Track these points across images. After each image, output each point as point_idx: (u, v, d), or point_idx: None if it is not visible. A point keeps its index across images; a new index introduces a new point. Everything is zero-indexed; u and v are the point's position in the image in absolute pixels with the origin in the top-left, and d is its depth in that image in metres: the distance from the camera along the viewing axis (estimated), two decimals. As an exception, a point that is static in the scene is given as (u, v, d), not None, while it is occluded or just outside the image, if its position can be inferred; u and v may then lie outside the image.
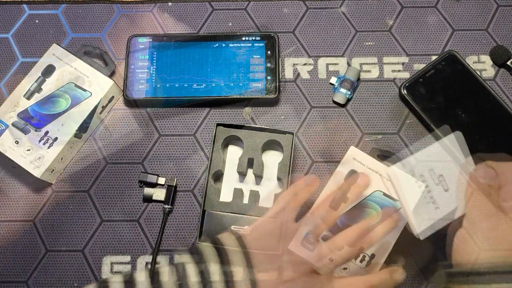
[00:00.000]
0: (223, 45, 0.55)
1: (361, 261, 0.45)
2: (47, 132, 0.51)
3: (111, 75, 0.54)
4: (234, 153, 0.52)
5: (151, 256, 0.49)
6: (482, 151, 0.50)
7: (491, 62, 0.54)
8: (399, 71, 0.55)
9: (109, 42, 0.56)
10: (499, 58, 0.54)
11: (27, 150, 0.50)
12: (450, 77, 0.53)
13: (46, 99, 0.52)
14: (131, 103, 0.54)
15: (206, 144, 0.53)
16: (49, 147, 0.50)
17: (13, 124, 0.51)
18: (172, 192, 0.51)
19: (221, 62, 0.54)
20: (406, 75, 0.54)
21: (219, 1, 0.58)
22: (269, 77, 0.53)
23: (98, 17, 0.57)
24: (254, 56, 0.54)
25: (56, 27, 0.57)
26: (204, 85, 0.53)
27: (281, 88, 0.54)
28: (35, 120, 0.51)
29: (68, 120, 0.51)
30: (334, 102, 0.54)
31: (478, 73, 0.53)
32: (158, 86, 0.53)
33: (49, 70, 0.53)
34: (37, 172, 0.50)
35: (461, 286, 0.37)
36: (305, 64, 0.55)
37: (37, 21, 0.57)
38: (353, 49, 0.56)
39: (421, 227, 0.40)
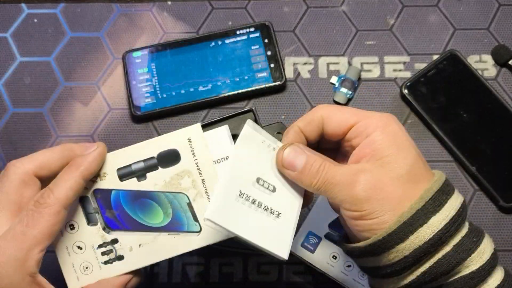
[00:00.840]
0: (220, 42, 0.55)
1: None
2: (115, 241, 0.35)
3: None
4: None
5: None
6: (483, 151, 0.50)
7: (492, 62, 0.54)
8: (400, 70, 0.54)
9: (108, 41, 0.56)
10: (500, 57, 0.54)
11: (78, 247, 0.35)
12: (451, 77, 0.52)
13: (139, 195, 0.35)
14: (140, 118, 0.53)
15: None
16: (106, 263, 0.35)
17: (81, 199, 0.35)
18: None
19: (221, 60, 0.54)
20: (407, 74, 0.54)
21: (219, 0, 0.57)
22: (272, 65, 0.53)
23: (97, 16, 0.57)
24: (252, 47, 0.54)
25: (55, 26, 0.57)
26: (210, 85, 0.53)
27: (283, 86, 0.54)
28: (110, 214, 0.35)
29: (152, 245, 0.35)
30: (335, 101, 0.53)
31: (480, 72, 0.53)
32: (164, 96, 0.53)
33: (169, 158, 0.36)
34: (72, 283, 0.35)
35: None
36: (305, 64, 0.55)
37: (35, 20, 0.57)
38: (354, 48, 0.55)
39: (281, 249, 0.32)
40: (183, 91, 0.53)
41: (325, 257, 0.46)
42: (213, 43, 0.55)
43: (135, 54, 0.54)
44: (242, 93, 0.53)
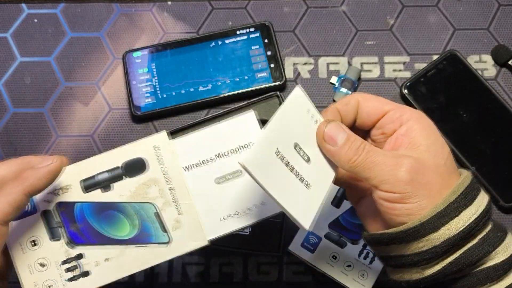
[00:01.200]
0: (220, 43, 0.55)
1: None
2: (79, 256, 0.34)
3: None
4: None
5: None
6: (484, 151, 0.50)
7: (492, 62, 0.54)
8: (400, 70, 0.54)
9: (108, 41, 0.56)
10: (500, 57, 0.54)
11: (41, 264, 0.34)
12: (451, 77, 0.52)
13: (104, 207, 0.34)
14: (140, 118, 0.53)
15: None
16: (71, 280, 0.33)
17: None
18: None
19: (221, 60, 0.54)
20: (407, 74, 0.54)
21: (219, 0, 0.57)
22: (272, 65, 0.53)
23: (97, 16, 0.57)
24: (252, 47, 0.54)
25: (55, 26, 0.57)
26: (210, 85, 0.53)
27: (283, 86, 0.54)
28: (74, 228, 0.34)
29: (119, 259, 0.34)
30: (335, 101, 0.53)
31: (480, 72, 0.53)
32: (164, 96, 0.53)
33: (135, 167, 0.35)
34: None
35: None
36: (305, 64, 0.55)
37: (36, 20, 0.57)
38: (354, 48, 0.55)
39: (305, 218, 0.31)
40: (183, 91, 0.53)
41: (325, 257, 0.46)
42: (213, 43, 0.55)
43: (135, 54, 0.54)
44: (242, 93, 0.53)
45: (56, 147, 0.53)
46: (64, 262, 0.33)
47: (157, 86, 0.53)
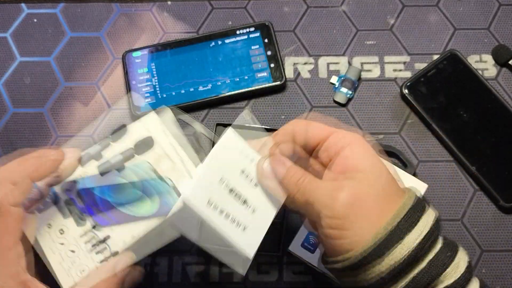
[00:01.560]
0: (220, 42, 0.55)
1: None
2: (107, 238, 0.34)
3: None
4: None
5: (150, 257, 0.49)
6: (484, 151, 0.50)
7: (493, 61, 0.54)
8: (400, 70, 0.54)
9: (108, 41, 0.56)
10: (501, 57, 0.54)
11: (71, 250, 0.34)
12: (451, 77, 0.52)
13: (123, 188, 0.35)
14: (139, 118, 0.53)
15: (206, 144, 0.52)
16: (101, 261, 0.34)
17: (66, 202, 0.35)
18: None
19: (221, 60, 0.54)
20: (408, 74, 0.54)
21: (219, 0, 0.57)
22: (272, 65, 0.53)
23: (97, 16, 0.57)
24: (252, 47, 0.54)
25: (55, 26, 0.57)
26: (210, 85, 0.53)
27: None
28: (97, 211, 0.35)
29: (145, 235, 0.35)
30: (335, 101, 0.53)
31: (480, 72, 0.53)
32: (164, 96, 0.53)
33: (144, 144, 0.36)
34: (65, 282, 0.34)
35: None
36: (305, 64, 0.55)
37: (35, 20, 0.57)
38: (354, 48, 0.55)
39: (247, 246, 0.32)
40: (183, 91, 0.53)
41: None
42: (213, 43, 0.55)
43: (135, 54, 0.54)
44: (242, 93, 0.53)
45: (56, 147, 0.53)
46: (93, 245, 0.34)
47: (157, 86, 0.53)
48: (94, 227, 0.34)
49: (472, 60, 0.54)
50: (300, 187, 0.32)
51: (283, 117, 0.53)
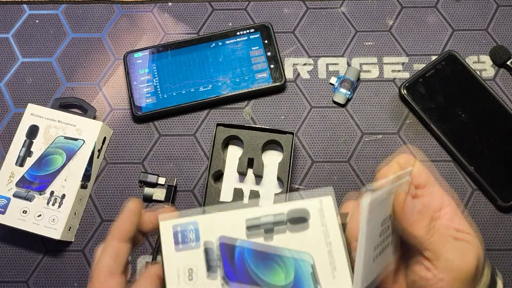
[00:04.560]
0: (220, 43, 0.55)
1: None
2: (52, 192, 0.49)
3: (95, 118, 0.52)
4: (234, 153, 0.52)
5: (151, 256, 0.49)
6: (482, 151, 0.50)
7: (491, 62, 0.55)
8: (399, 71, 0.55)
9: (109, 42, 0.56)
10: (499, 58, 0.54)
11: (38, 216, 0.48)
12: (450, 77, 0.53)
13: (40, 161, 0.50)
14: (141, 119, 0.54)
15: (206, 144, 0.53)
16: (59, 206, 0.48)
17: (14, 195, 0.48)
18: (172, 192, 0.51)
19: (222, 61, 0.54)
20: (406, 75, 0.54)
21: (219, 1, 0.58)
22: (272, 65, 0.54)
23: (98, 17, 0.57)
24: (252, 48, 0.55)
25: (56, 27, 0.57)
26: (211, 86, 0.53)
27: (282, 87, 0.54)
28: (36, 185, 0.49)
29: (70, 174, 0.49)
30: (334, 102, 0.54)
31: (478, 73, 0.53)
32: (165, 96, 0.53)
33: (33, 131, 0.50)
34: (55, 234, 0.48)
35: None
36: (305, 64, 0.55)
37: (37, 21, 0.57)
38: (353, 49, 0.56)
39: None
40: (183, 92, 0.53)
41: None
42: (213, 44, 0.55)
43: (136, 54, 0.55)
44: (242, 94, 0.53)
45: (58, 147, 0.53)
46: (48, 203, 0.38)
47: (158, 87, 0.54)
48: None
49: (470, 61, 0.54)
50: (434, 231, 0.33)
51: (282, 117, 0.53)
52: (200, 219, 0.34)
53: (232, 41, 0.55)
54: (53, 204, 0.48)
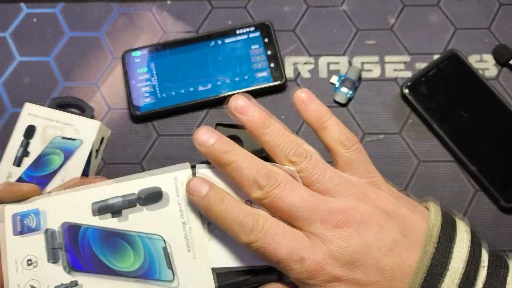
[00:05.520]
0: (219, 42, 0.54)
1: None
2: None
3: (93, 118, 0.51)
4: (234, 153, 0.51)
5: None
6: (484, 151, 0.50)
7: (493, 61, 0.54)
8: (400, 70, 0.54)
9: (107, 41, 0.56)
10: (501, 57, 0.54)
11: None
12: (452, 76, 0.52)
13: (37, 161, 0.49)
14: (139, 118, 0.53)
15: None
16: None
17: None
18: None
19: (221, 60, 0.54)
20: (408, 74, 0.54)
21: (219, -1, 0.57)
22: (272, 64, 0.53)
23: (97, 15, 0.57)
24: (252, 47, 0.54)
25: (54, 26, 0.57)
26: (210, 85, 0.53)
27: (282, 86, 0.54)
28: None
29: (67, 175, 0.48)
30: (335, 101, 0.53)
31: (481, 72, 0.53)
32: (164, 96, 0.53)
33: (30, 130, 0.50)
34: None
35: None
36: (305, 63, 0.55)
37: (34, 19, 0.57)
38: (354, 48, 0.55)
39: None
40: (182, 91, 0.53)
41: None
42: (213, 43, 0.54)
43: (134, 53, 0.54)
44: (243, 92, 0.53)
45: (55, 147, 0.52)
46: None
47: (156, 86, 0.53)
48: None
49: (473, 60, 0.54)
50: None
51: (283, 117, 0.53)
52: (42, 204, 0.32)
53: (231, 39, 0.54)
54: None
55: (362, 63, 0.54)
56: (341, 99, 0.53)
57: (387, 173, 0.51)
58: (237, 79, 0.53)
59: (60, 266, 0.32)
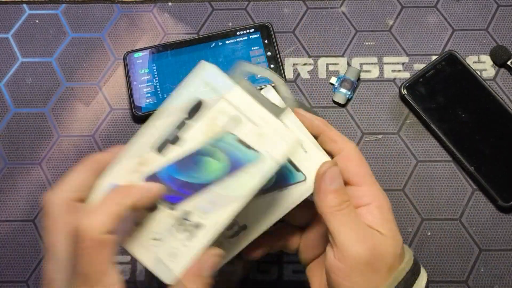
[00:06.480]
0: (220, 43, 0.55)
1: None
2: (186, 213, 0.32)
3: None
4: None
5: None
6: (482, 151, 0.50)
7: (491, 62, 0.54)
8: (399, 71, 0.55)
9: (109, 42, 0.56)
10: (499, 58, 0.54)
11: (155, 239, 0.32)
12: (450, 77, 0.53)
13: (188, 158, 0.32)
14: (141, 119, 0.53)
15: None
16: (189, 238, 0.31)
17: None
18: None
19: (222, 61, 0.54)
20: (406, 75, 0.54)
21: (219, 1, 0.58)
22: (272, 66, 0.54)
23: (98, 17, 0.57)
24: (252, 48, 0.55)
25: (56, 27, 0.57)
26: None
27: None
28: (169, 191, 0.32)
29: (225, 196, 0.31)
30: (334, 102, 0.54)
31: (478, 73, 0.53)
32: (165, 96, 0.53)
33: (195, 107, 0.33)
34: (167, 275, 0.31)
35: None
36: (305, 64, 0.55)
37: (37, 21, 0.57)
38: (353, 49, 0.56)
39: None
40: (183, 92, 0.53)
41: None
42: (213, 44, 0.55)
43: (136, 54, 0.55)
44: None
45: (58, 147, 0.53)
46: (174, 225, 0.32)
47: (158, 87, 0.54)
48: (168, 208, 0.32)
49: (471, 61, 0.54)
50: (343, 208, 0.32)
51: (283, 117, 0.53)
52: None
53: (232, 41, 0.55)
54: (181, 232, 0.32)
55: (361, 64, 0.55)
56: (340, 99, 0.53)
57: (385, 173, 0.52)
58: (237, 79, 0.53)
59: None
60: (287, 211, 0.35)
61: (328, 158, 0.35)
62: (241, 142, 0.32)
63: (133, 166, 0.32)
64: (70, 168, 0.33)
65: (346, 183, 0.34)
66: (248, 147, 0.31)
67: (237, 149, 0.32)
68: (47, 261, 0.31)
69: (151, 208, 0.32)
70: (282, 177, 0.35)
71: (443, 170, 0.51)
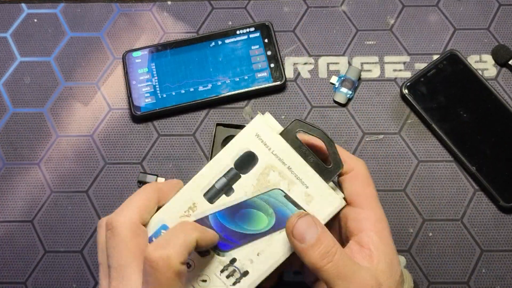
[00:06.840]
0: (220, 42, 0.55)
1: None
2: (233, 260, 0.34)
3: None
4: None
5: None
6: (484, 151, 0.50)
7: (492, 62, 0.54)
8: (400, 70, 0.54)
9: (108, 41, 0.56)
10: (501, 57, 0.54)
11: (203, 281, 0.34)
12: (451, 77, 0.52)
13: (238, 208, 0.34)
14: (140, 118, 0.53)
15: (206, 144, 0.52)
16: (234, 284, 0.34)
17: None
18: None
19: (221, 60, 0.54)
20: (408, 74, 0.54)
21: (219, 0, 0.57)
22: (272, 65, 0.53)
23: (97, 16, 0.57)
24: (252, 47, 0.54)
25: (55, 26, 0.57)
26: (210, 85, 0.53)
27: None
28: (220, 238, 0.34)
29: (269, 249, 0.34)
30: (335, 101, 0.53)
31: (480, 72, 0.53)
32: (164, 96, 0.53)
33: (247, 161, 0.35)
34: None
35: None
36: (305, 64, 0.55)
37: (35, 20, 0.57)
38: (354, 48, 0.55)
39: None
40: (183, 91, 0.53)
41: None
42: (213, 43, 0.55)
43: (135, 54, 0.54)
44: (242, 93, 0.53)
45: (56, 147, 0.53)
46: (222, 271, 0.34)
47: (157, 86, 0.53)
48: (218, 254, 0.34)
49: (472, 60, 0.54)
50: (330, 260, 0.31)
51: (283, 117, 0.53)
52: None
53: (232, 40, 0.55)
54: (227, 277, 0.34)
55: (362, 63, 0.55)
56: (340, 99, 0.53)
57: (387, 173, 0.51)
58: (237, 79, 0.53)
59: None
60: (288, 254, 0.34)
61: (330, 190, 0.34)
62: (289, 199, 0.34)
63: (185, 210, 0.35)
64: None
65: (348, 203, 0.34)
66: (297, 205, 0.34)
67: (285, 205, 0.34)
68: (103, 278, 0.32)
69: (203, 252, 0.34)
70: (282, 217, 0.35)
71: (444, 170, 0.51)
